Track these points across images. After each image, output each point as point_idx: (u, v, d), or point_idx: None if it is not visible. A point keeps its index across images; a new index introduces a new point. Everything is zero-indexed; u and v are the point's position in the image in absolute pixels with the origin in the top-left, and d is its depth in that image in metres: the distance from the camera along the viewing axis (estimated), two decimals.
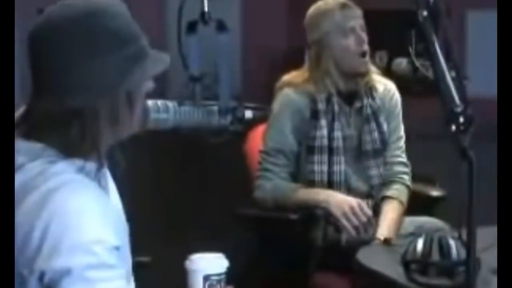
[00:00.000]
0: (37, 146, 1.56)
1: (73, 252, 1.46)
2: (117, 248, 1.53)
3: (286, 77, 3.06)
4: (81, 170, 1.57)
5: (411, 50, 2.20)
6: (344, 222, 2.82)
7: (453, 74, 1.81)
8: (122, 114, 1.61)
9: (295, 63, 3.21)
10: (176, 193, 4.64)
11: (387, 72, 2.90)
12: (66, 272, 1.46)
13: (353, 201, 2.86)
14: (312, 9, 3.03)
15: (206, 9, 1.99)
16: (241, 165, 3.20)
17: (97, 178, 1.61)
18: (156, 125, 1.87)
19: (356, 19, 2.97)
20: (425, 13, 1.86)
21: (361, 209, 2.83)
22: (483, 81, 3.40)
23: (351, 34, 2.95)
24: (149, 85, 1.68)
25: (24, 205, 1.51)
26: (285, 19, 5.45)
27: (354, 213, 2.82)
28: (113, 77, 1.57)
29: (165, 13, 4.65)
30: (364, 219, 2.82)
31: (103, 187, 1.65)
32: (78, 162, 1.57)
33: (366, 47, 2.95)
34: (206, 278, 1.80)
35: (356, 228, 2.82)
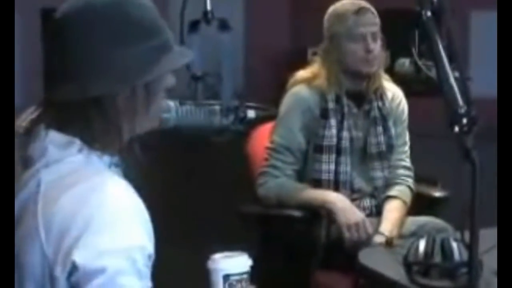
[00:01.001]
0: (64, 137, 1.54)
1: (113, 254, 1.43)
2: (150, 257, 1.50)
3: (299, 73, 3.07)
4: (109, 164, 1.56)
5: (414, 51, 2.19)
6: (346, 232, 2.83)
7: (457, 74, 1.80)
8: (141, 107, 1.58)
9: (298, 63, 3.21)
10: (178, 192, 4.64)
11: (390, 72, 2.90)
12: (100, 272, 1.42)
13: (359, 216, 2.86)
14: (331, 8, 3.03)
15: (208, 8, 1.99)
16: (243, 164, 3.19)
17: (116, 172, 1.58)
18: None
19: (369, 26, 2.95)
20: (429, 13, 1.85)
21: (364, 226, 2.84)
22: (486, 82, 3.39)
23: (360, 40, 2.94)
24: (171, 81, 1.65)
25: (64, 199, 1.47)
26: (288, 18, 5.45)
27: (358, 229, 2.82)
28: (135, 67, 1.55)
29: (168, 12, 4.65)
30: (364, 237, 2.82)
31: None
32: (104, 156, 1.55)
33: (372, 55, 2.95)
34: (226, 277, 1.77)
35: (353, 241, 2.82)
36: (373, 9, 2.99)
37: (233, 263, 1.79)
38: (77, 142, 1.53)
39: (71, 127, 1.54)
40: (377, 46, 2.96)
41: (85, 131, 1.54)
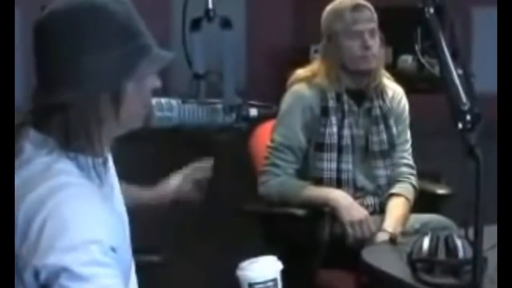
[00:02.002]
0: (40, 136, 1.58)
1: (68, 251, 1.47)
2: (113, 249, 1.53)
3: (299, 72, 3.06)
4: (82, 166, 1.59)
5: (417, 47, 2.18)
6: (349, 229, 2.82)
7: (460, 71, 1.79)
8: (123, 108, 1.61)
9: (300, 61, 3.21)
10: None
11: (393, 69, 2.90)
12: (62, 270, 1.46)
13: (363, 213, 2.86)
14: (329, 6, 3.04)
15: (210, 5, 1.98)
16: (245, 163, 3.19)
17: (98, 174, 1.63)
18: (160, 123, 1.86)
19: (366, 22, 2.95)
20: (431, 10, 1.85)
21: (368, 224, 2.83)
22: (489, 78, 3.38)
23: (357, 37, 2.94)
24: (156, 82, 1.68)
25: (28, 199, 1.52)
26: (291, 16, 5.43)
27: (361, 227, 2.82)
28: (113, 71, 1.59)
29: (170, 10, 4.64)
30: (367, 234, 2.82)
31: (105, 184, 1.66)
32: (78, 157, 1.59)
33: (370, 52, 2.94)
34: (251, 286, 1.76)
35: (356, 239, 2.82)
36: (370, 5, 2.99)
37: (258, 271, 1.75)
38: (51, 143, 1.57)
39: (47, 129, 1.59)
40: (375, 43, 2.95)
41: (60, 133, 1.58)
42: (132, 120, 1.67)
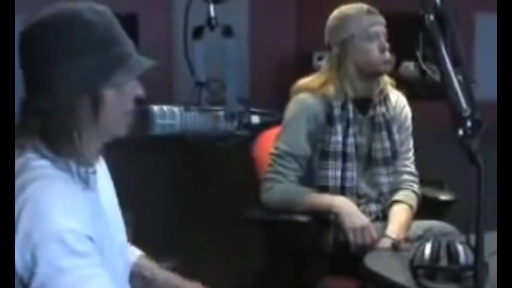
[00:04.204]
0: (24, 141, 1.62)
1: (43, 242, 1.49)
2: (90, 238, 1.55)
3: (302, 81, 3.07)
4: (63, 168, 1.62)
5: (419, 54, 2.19)
6: (351, 236, 2.83)
7: (460, 78, 1.80)
8: (87, 119, 1.65)
9: (303, 68, 3.21)
10: (182, 198, 4.64)
11: (395, 75, 2.90)
12: (38, 262, 1.48)
13: (365, 220, 2.86)
14: (336, 12, 3.05)
15: (212, 14, 1.98)
16: (247, 170, 3.20)
17: (82, 179, 1.65)
18: (162, 131, 1.87)
19: (380, 25, 2.99)
20: (432, 17, 1.85)
21: (369, 231, 2.83)
22: (491, 85, 3.39)
23: (375, 39, 2.97)
24: (137, 91, 1.72)
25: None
26: (293, 24, 5.44)
27: (363, 234, 2.82)
28: (88, 78, 1.62)
29: (171, 18, 4.65)
30: (369, 241, 2.82)
31: (90, 190, 1.68)
32: (58, 160, 1.62)
33: (387, 54, 2.96)
34: None
35: (358, 245, 2.82)
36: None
37: None
38: (32, 147, 1.61)
39: (29, 134, 1.63)
40: (388, 46, 2.98)
41: (41, 138, 1.62)
42: (112, 127, 1.71)
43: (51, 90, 1.61)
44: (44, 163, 1.61)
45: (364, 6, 3.01)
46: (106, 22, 1.67)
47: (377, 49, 2.96)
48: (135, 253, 2.06)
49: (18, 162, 1.60)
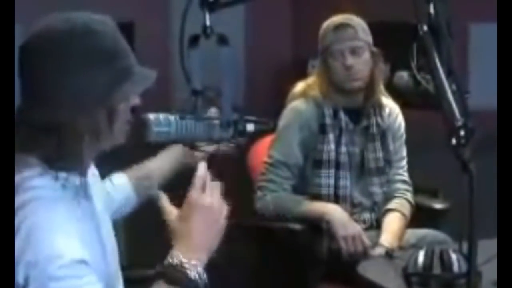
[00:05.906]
0: (21, 156, 1.58)
1: (33, 266, 1.48)
2: (83, 262, 1.52)
3: (298, 87, 3.08)
4: (63, 184, 1.60)
5: (413, 64, 2.20)
6: (343, 244, 2.83)
7: (454, 87, 1.81)
8: (103, 130, 1.63)
9: (298, 76, 3.22)
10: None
11: (389, 85, 2.91)
12: (30, 282, 1.47)
13: (356, 228, 2.87)
14: (324, 23, 3.04)
15: (207, 22, 2.00)
16: (242, 178, 3.20)
17: (80, 191, 1.64)
18: (158, 138, 1.88)
19: (348, 41, 2.94)
20: (425, 27, 1.87)
21: (361, 239, 2.84)
22: (485, 94, 3.41)
23: (339, 57, 2.95)
24: (135, 101, 1.70)
25: None
26: (289, 32, 5.46)
27: (354, 242, 2.83)
28: (95, 94, 1.60)
29: (168, 27, 4.67)
30: (360, 249, 2.83)
31: (85, 201, 1.67)
32: (61, 175, 1.60)
33: (352, 71, 2.93)
34: None
35: (350, 253, 2.83)
36: (358, 23, 2.97)
37: None
38: (32, 161, 1.58)
39: (29, 148, 1.59)
40: (359, 62, 2.94)
41: (45, 152, 1.59)
42: (117, 136, 1.69)
43: (57, 104, 1.58)
44: (40, 183, 1.58)
45: (336, 21, 2.97)
46: (112, 32, 1.65)
47: (340, 67, 2.95)
48: (120, 177, 2.11)
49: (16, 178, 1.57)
